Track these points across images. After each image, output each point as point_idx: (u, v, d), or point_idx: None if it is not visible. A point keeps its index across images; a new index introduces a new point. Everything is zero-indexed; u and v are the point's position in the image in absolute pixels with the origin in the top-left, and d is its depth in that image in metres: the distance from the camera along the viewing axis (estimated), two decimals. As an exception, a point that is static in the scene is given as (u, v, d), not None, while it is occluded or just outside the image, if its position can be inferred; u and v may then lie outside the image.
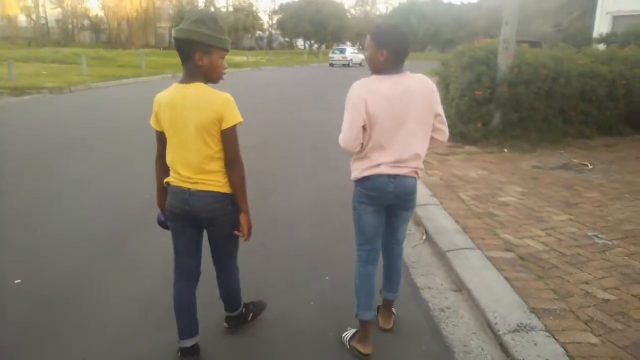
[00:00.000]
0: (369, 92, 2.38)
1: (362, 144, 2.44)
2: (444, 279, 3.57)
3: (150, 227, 3.26)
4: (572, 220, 4.54)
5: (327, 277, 3.57)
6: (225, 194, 2.35)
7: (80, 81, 17.51)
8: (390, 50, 2.38)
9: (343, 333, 2.80)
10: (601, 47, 13.13)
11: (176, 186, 2.34)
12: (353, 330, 2.77)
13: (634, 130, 9.17)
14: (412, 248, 4.06)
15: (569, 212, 4.80)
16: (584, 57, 8.69)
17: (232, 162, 2.30)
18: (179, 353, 2.52)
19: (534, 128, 8.09)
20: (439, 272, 3.68)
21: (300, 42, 68.06)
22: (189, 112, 2.19)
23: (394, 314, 2.97)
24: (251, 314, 2.92)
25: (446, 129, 2.58)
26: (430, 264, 3.83)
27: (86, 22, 59.61)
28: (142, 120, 3.88)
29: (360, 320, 2.67)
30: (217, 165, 2.31)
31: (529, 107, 7.92)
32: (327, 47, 62.31)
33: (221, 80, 2.33)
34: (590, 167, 6.78)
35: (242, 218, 2.41)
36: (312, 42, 61.97)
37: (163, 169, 2.40)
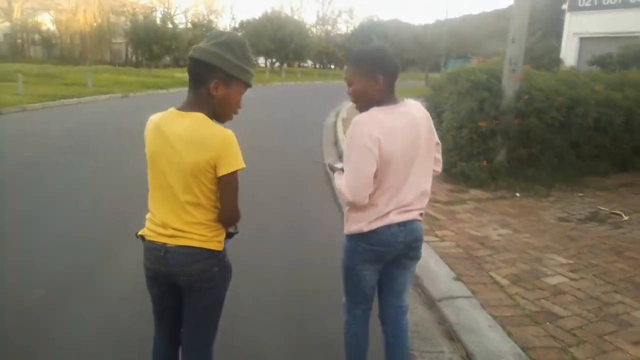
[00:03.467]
0: (381, 129, 2.02)
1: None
2: None
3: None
4: (666, 322, 3.15)
5: None
6: (210, 251, 1.87)
7: (13, 102, 15.39)
8: (386, 75, 2.09)
9: None
10: (579, 69, 12.09)
11: (150, 241, 1.89)
12: None
13: (647, 166, 8.04)
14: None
15: (650, 302, 3.43)
16: (598, 82, 7.48)
17: (227, 218, 1.87)
18: None
19: (546, 166, 6.79)
20: None
21: (261, 60, 66.75)
22: (176, 146, 1.78)
23: None
24: None
25: (441, 158, 2.37)
26: None
27: (37, 37, 56.60)
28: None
29: None
30: (204, 215, 1.84)
31: (542, 141, 6.62)
32: (289, 65, 61.24)
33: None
34: (625, 217, 5.49)
35: None
36: (274, 60, 60.65)
37: None
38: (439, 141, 2.29)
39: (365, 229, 2.11)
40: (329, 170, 2.47)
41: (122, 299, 3.45)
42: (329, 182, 6.81)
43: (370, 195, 2.06)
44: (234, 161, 1.78)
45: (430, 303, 3.42)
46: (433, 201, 5.72)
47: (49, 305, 3.36)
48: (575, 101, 6.70)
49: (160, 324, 2.11)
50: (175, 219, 1.84)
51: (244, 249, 3.56)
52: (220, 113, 1.87)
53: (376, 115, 2.05)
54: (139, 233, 1.96)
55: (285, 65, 57.87)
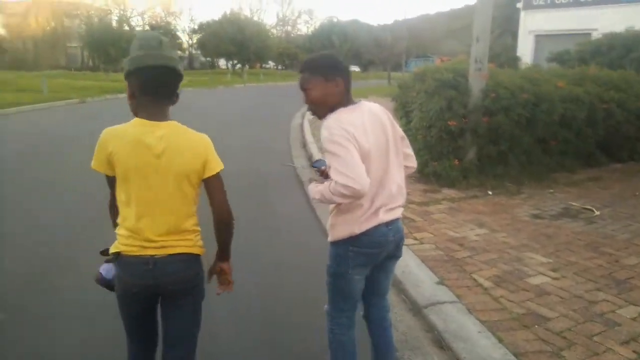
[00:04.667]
0: (352, 126, 2.00)
1: None
2: None
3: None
4: (650, 318, 3.15)
5: None
6: (197, 255, 1.93)
7: (-39, 110, 14.68)
8: (344, 77, 2.10)
9: None
10: (534, 65, 12.31)
11: (133, 256, 1.82)
12: None
13: (609, 159, 8.21)
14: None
15: (631, 298, 3.43)
16: (559, 79, 7.58)
17: (225, 217, 1.93)
18: None
19: (515, 163, 6.83)
20: None
21: (222, 62, 65.93)
22: (165, 156, 1.79)
23: None
24: None
25: (412, 153, 2.35)
26: None
27: (-15, 42, 54.44)
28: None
29: None
30: (189, 221, 1.91)
31: (509, 138, 6.65)
32: (251, 67, 60.70)
33: None
34: (596, 212, 5.55)
35: (226, 266, 2.06)
36: (235, 62, 60.05)
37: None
38: (403, 134, 2.28)
39: (357, 230, 2.07)
40: (305, 181, 2.45)
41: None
42: (299, 185, 6.67)
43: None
44: (218, 163, 1.90)
45: (416, 310, 3.32)
46: (408, 202, 5.65)
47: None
48: (540, 98, 6.76)
49: (137, 340, 2.06)
50: (163, 229, 1.84)
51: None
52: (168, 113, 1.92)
53: (342, 115, 2.05)
54: (111, 251, 1.89)
55: (247, 66, 57.35)
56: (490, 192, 6.28)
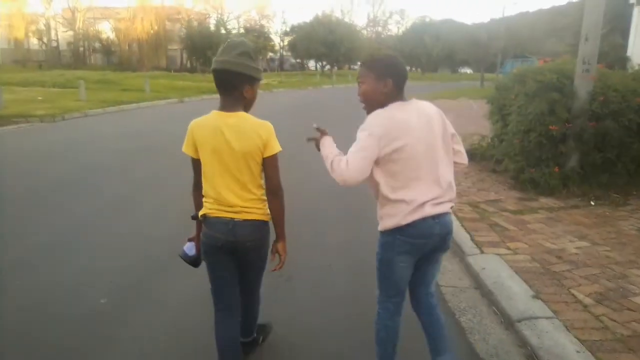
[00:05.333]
0: (391, 121, 2.18)
1: (380, 183, 2.21)
2: None
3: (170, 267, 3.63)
4: None
5: None
6: (265, 222, 2.37)
7: (76, 107, 16.01)
8: (394, 80, 2.23)
9: None
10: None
11: (217, 217, 2.28)
12: None
13: None
14: None
15: None
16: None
17: (275, 189, 2.33)
18: None
19: (623, 172, 6.32)
20: None
21: (311, 64, 66.88)
22: (234, 139, 2.21)
23: None
24: (261, 338, 2.92)
25: (464, 150, 2.44)
26: None
27: (97, 45, 58.94)
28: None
29: None
30: (260, 192, 2.32)
31: (618, 145, 6.16)
32: (339, 68, 61.05)
33: None
34: None
35: (281, 246, 2.42)
36: (324, 63, 60.66)
37: (201, 199, 2.34)
38: (454, 132, 2.38)
39: (403, 222, 2.19)
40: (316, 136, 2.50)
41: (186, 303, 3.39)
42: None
43: (396, 190, 2.19)
44: (275, 145, 2.27)
45: (508, 323, 3.16)
46: (501, 210, 5.41)
47: (112, 309, 3.35)
48: (656, 102, 6.20)
49: (221, 293, 2.44)
50: (239, 198, 2.26)
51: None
52: (249, 107, 2.33)
53: (387, 110, 2.21)
54: (200, 213, 2.33)
55: (335, 68, 57.79)
56: (593, 203, 5.86)
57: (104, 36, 59.02)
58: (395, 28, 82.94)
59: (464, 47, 57.86)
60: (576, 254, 4.26)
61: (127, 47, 55.55)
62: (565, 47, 37.79)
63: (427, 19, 68.61)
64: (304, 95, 26.71)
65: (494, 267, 3.91)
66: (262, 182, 2.33)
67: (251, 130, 2.21)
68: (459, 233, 4.64)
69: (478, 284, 3.79)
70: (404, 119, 2.18)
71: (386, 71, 2.24)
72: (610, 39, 26.16)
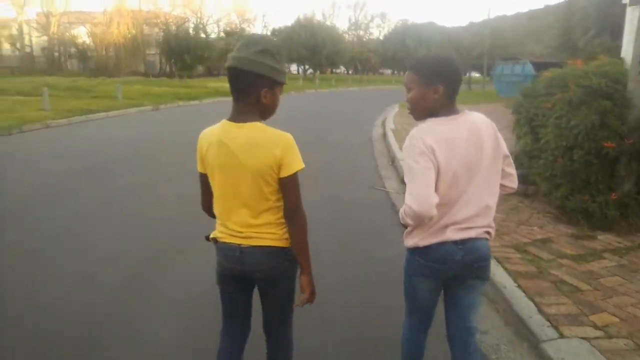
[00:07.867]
0: (436, 138, 1.95)
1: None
2: None
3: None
4: None
5: None
6: (282, 248, 2.02)
7: (37, 118, 14.42)
8: (446, 85, 2.00)
9: None
10: None
11: (224, 243, 2.04)
12: None
13: None
14: None
15: None
16: None
17: (293, 213, 1.97)
18: None
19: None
20: None
21: (294, 67, 65.78)
22: (243, 155, 1.91)
23: None
24: None
25: (515, 173, 2.19)
26: None
27: (73, 50, 57.07)
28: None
29: None
30: (274, 216, 1.99)
31: (687, 166, 4.97)
32: (322, 72, 59.98)
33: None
34: None
35: (304, 280, 2.04)
36: (307, 67, 59.54)
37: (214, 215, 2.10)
38: (508, 154, 2.15)
39: (421, 244, 2.05)
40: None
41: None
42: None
43: None
44: (295, 163, 1.90)
45: None
46: (558, 256, 4.15)
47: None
48: None
49: (230, 324, 2.21)
50: (247, 222, 1.96)
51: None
52: (267, 114, 1.98)
53: (432, 126, 1.99)
54: (211, 235, 2.07)
55: (318, 72, 56.74)
56: (663, 240, 4.64)
57: (79, 41, 57.25)
58: (377, 31, 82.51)
59: (446, 49, 57.28)
60: (693, 332, 3.00)
61: (103, 52, 53.81)
62: (544, 49, 37.31)
63: (409, 22, 67.99)
64: (286, 101, 25.37)
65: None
66: (279, 203, 1.97)
67: (264, 144, 1.89)
68: (518, 299, 3.36)
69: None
70: (449, 137, 1.95)
71: (436, 76, 2.00)
72: (596, 42, 25.36)
